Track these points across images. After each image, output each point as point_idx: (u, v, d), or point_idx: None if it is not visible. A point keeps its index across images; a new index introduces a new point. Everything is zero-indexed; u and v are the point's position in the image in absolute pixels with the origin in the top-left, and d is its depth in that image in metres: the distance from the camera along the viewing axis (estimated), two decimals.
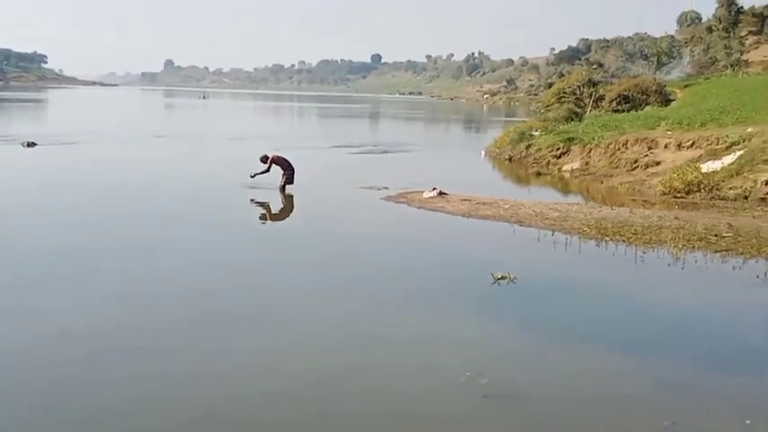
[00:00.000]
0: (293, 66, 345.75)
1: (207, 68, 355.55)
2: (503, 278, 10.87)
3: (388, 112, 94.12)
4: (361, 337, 8.83)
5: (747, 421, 6.60)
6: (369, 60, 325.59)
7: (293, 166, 19.88)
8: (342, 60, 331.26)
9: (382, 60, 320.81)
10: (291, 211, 18.38)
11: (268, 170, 19.64)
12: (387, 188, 19.90)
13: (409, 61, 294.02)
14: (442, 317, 9.62)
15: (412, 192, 19.15)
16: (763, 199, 17.87)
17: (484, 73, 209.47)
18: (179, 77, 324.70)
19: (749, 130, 21.74)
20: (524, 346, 8.67)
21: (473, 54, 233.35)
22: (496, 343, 8.78)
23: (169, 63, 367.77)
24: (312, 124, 68.04)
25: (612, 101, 41.53)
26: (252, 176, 19.58)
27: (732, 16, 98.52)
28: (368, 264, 12.52)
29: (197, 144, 35.41)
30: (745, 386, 7.49)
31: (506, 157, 30.44)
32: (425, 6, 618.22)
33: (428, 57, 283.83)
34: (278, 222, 17.18)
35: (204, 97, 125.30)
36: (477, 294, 10.55)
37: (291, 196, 19.19)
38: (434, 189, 18.53)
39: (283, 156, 20.23)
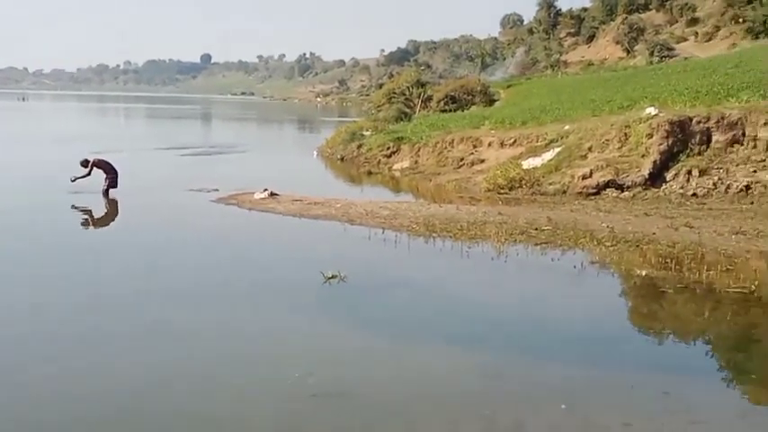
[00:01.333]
0: (119, 66, 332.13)
1: (26, 69, 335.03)
2: (333, 277, 10.86)
3: (219, 113, 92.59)
4: (181, 342, 8.53)
5: (563, 406, 6.89)
6: (198, 60, 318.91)
7: (116, 169, 19.10)
8: (170, 60, 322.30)
9: (212, 60, 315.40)
10: (115, 215, 17.64)
11: (89, 174, 18.76)
12: (217, 190, 19.47)
13: (240, 61, 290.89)
14: (271, 318, 9.50)
15: (243, 193, 18.82)
16: (579, 193, 18.84)
17: (316, 73, 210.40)
18: None
19: (566, 127, 22.83)
20: (354, 345, 8.69)
21: (305, 55, 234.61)
22: (326, 342, 8.74)
23: None
24: (140, 126, 65.64)
25: (440, 101, 42.70)
26: (72, 181, 18.62)
27: (552, 18, 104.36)
28: (191, 268, 12.15)
29: (13, 147, 33.26)
30: (562, 373, 7.82)
31: (338, 156, 30.62)
32: (255, 5, 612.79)
33: (260, 57, 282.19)
34: (100, 228, 16.44)
35: (23, 99, 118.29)
36: (307, 294, 10.46)
37: (116, 201, 18.41)
38: (266, 190, 18.33)
39: (105, 159, 19.44)
